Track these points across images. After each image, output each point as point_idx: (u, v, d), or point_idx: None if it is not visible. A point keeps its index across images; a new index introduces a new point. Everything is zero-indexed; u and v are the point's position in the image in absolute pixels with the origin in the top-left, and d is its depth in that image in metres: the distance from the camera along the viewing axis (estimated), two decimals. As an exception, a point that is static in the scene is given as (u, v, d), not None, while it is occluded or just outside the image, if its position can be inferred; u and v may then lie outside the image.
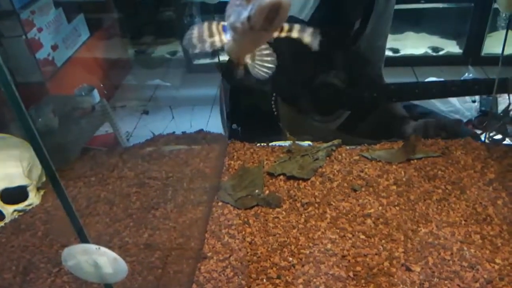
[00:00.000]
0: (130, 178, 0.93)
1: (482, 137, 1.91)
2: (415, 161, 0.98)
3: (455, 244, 0.80)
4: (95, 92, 2.00)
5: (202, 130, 1.06)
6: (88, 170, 1.01)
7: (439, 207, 0.87)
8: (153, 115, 2.41)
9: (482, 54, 2.55)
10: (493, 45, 2.52)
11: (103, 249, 0.54)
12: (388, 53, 2.66)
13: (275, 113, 1.36)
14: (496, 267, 0.76)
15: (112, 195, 0.92)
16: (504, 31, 2.78)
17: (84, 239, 0.54)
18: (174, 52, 2.87)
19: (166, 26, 2.92)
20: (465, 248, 0.80)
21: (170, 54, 2.85)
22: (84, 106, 1.86)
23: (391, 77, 1.36)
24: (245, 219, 0.88)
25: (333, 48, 1.19)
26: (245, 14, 0.47)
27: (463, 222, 0.84)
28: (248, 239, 0.84)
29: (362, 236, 0.83)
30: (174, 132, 1.07)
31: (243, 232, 0.85)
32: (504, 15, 2.62)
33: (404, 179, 0.94)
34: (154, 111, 2.43)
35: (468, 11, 2.56)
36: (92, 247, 0.55)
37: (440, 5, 2.59)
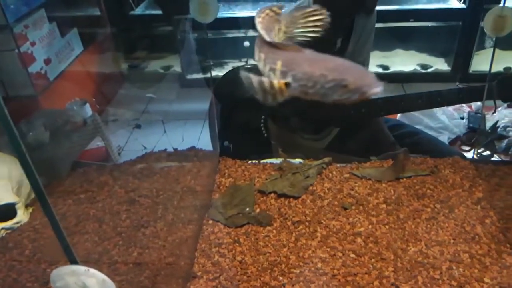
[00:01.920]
0: (120, 195, 0.93)
1: (471, 154, 1.93)
2: (405, 179, 0.99)
3: (444, 263, 0.81)
4: (87, 106, 2.00)
5: (193, 147, 1.06)
6: (78, 187, 1.00)
7: (428, 225, 0.88)
8: (145, 129, 2.41)
9: (470, 71, 2.62)
10: (481, 63, 2.59)
11: (92, 270, 0.53)
12: (378, 69, 2.71)
13: (265, 134, 1.37)
14: (485, 286, 0.77)
15: (101, 212, 0.91)
16: (491, 49, 2.86)
17: (71, 258, 0.53)
18: (167, 67, 2.89)
19: (159, 41, 2.95)
20: (454, 267, 0.80)
21: (163, 69, 2.86)
22: (75, 120, 1.85)
23: (381, 93, 1.38)
24: (236, 238, 0.88)
25: None
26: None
27: (452, 241, 0.85)
28: (239, 258, 0.84)
29: (352, 255, 0.84)
30: (165, 149, 1.07)
31: (234, 251, 0.85)
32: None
33: (393, 197, 0.95)
34: (146, 125, 2.43)
35: (456, 30, 2.63)
36: (81, 268, 0.54)
37: (429, 24, 2.66)
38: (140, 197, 0.91)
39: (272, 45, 0.57)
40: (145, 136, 2.33)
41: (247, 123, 1.42)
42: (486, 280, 0.78)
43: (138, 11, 2.91)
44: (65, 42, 2.35)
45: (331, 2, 1.18)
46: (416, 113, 2.08)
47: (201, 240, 0.87)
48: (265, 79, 0.54)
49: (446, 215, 0.90)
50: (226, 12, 2.82)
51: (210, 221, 0.91)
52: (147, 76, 2.84)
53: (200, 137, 2.19)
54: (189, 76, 2.73)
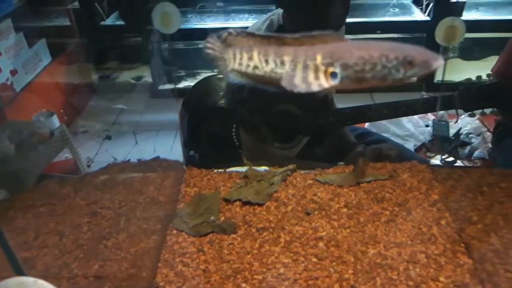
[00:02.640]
0: (82, 207, 0.91)
1: (437, 160, 2.00)
2: (365, 184, 1.02)
3: (402, 264, 0.84)
4: (54, 117, 1.96)
5: (158, 157, 1.06)
6: (38, 200, 0.98)
7: (387, 228, 0.91)
8: (116, 141, 2.38)
9: (435, 81, 2.73)
10: (445, 72, 2.70)
11: (40, 281, 0.52)
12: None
13: (237, 143, 1.39)
14: (440, 285, 0.80)
15: (62, 225, 0.89)
16: (455, 60, 3.00)
17: (19, 271, 0.52)
18: (139, 77, 2.87)
19: (131, 51, 2.94)
20: (411, 268, 0.83)
21: (134, 79, 2.85)
22: (42, 132, 1.81)
23: (352, 102, 1.42)
24: (200, 247, 0.88)
25: None
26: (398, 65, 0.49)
27: (409, 242, 0.88)
28: (202, 267, 0.84)
29: (314, 259, 0.85)
30: (129, 160, 1.06)
31: (197, 260, 0.85)
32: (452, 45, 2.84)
33: (354, 201, 0.98)
34: (117, 136, 2.41)
35: (421, 41, 2.75)
36: (29, 280, 0.53)
37: (394, 35, 2.76)
38: (102, 209, 0.90)
39: (296, 42, 0.55)
40: (116, 148, 2.31)
41: (219, 133, 1.43)
42: (441, 279, 0.81)
43: (108, 21, 2.89)
44: (32, 52, 2.31)
45: (299, 19, 1.22)
46: (383, 122, 2.15)
47: (165, 250, 0.86)
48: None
49: (404, 217, 0.93)
50: (198, 23, 2.85)
51: (174, 231, 0.91)
52: (118, 86, 2.82)
53: (172, 148, 2.18)
54: (161, 86, 2.73)
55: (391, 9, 2.93)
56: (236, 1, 2.97)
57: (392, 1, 2.95)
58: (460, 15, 2.66)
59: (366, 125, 2.11)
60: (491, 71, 1.48)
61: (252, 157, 1.27)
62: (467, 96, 1.23)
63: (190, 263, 0.84)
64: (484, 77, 2.86)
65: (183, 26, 2.78)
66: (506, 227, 0.91)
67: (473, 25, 2.62)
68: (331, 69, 0.53)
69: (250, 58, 0.57)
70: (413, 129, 2.07)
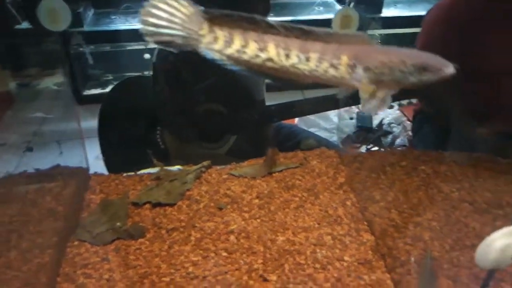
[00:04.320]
0: (-32, 228, 0.83)
1: (363, 150, 2.10)
2: (277, 173, 1.04)
3: (309, 248, 0.86)
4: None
5: (58, 165, 1.00)
6: None
7: (296, 214, 0.93)
8: (38, 152, 2.22)
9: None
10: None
11: None
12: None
13: (162, 146, 1.35)
14: (345, 264, 0.83)
15: None
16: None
17: None
18: (62, 83, 2.70)
19: (52, 56, 2.75)
20: (318, 250, 0.85)
21: (57, 86, 2.67)
22: None
23: (285, 99, 1.42)
24: (104, 256, 0.83)
25: (215, 75, 1.23)
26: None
27: (316, 225, 0.91)
28: (106, 276, 0.80)
29: (224, 254, 0.85)
30: (26, 170, 0.99)
31: (101, 270, 0.81)
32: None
33: (266, 191, 0.99)
34: (39, 147, 2.24)
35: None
36: None
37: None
38: (-9, 227, 0.83)
39: (326, 39, 0.55)
40: (38, 159, 2.14)
41: (142, 135, 1.38)
42: (346, 258, 0.84)
43: (24, 24, 2.68)
44: None
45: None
46: (312, 117, 2.21)
47: (65, 264, 0.81)
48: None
49: (312, 202, 0.96)
50: (123, 25, 2.73)
51: (76, 242, 0.86)
52: (39, 94, 2.63)
53: (98, 156, 2.07)
54: (86, 92, 2.59)
55: (316, 8, 3.01)
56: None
57: (317, 0, 3.04)
58: (380, 12, 2.80)
59: (296, 120, 2.16)
60: None
61: (180, 158, 1.24)
62: None
63: (93, 274, 0.80)
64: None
65: (107, 28, 2.66)
66: (406, 202, 0.97)
67: (392, 21, 2.78)
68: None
69: (262, 49, 0.54)
70: (338, 122, 2.16)
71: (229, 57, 0.55)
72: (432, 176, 1.03)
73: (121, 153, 1.35)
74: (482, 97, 1.21)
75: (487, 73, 1.21)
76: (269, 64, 0.54)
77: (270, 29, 0.55)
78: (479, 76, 1.21)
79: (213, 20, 0.54)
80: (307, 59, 0.56)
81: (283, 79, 0.56)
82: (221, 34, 0.55)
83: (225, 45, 0.55)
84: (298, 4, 3.03)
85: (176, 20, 0.54)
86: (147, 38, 0.54)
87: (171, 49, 0.54)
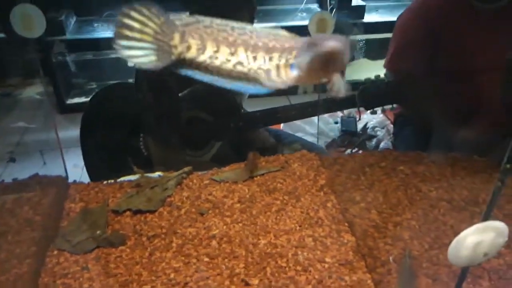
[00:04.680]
0: None
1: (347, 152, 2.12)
2: (258, 177, 1.04)
3: (291, 250, 0.86)
4: None
5: (37, 174, 0.99)
6: None
7: (277, 217, 0.93)
8: (21, 162, 2.18)
9: (346, 80, 2.89)
10: (353, 73, 2.88)
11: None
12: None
13: (145, 153, 1.34)
14: (326, 265, 0.83)
15: None
16: (363, 60, 3.21)
17: None
18: (44, 92, 2.67)
19: (34, 65, 2.72)
20: (299, 252, 0.86)
21: (39, 95, 2.64)
22: None
23: (270, 105, 1.42)
24: (84, 265, 0.82)
25: (197, 82, 1.24)
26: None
27: (297, 228, 0.91)
28: (86, 286, 0.78)
29: (206, 259, 0.84)
30: (3, 180, 0.97)
31: (81, 279, 0.79)
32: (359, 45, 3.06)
33: (247, 196, 0.99)
34: (22, 157, 2.21)
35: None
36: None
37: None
38: (-34, 239, 0.81)
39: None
40: (21, 170, 2.11)
41: (124, 142, 1.37)
42: (327, 259, 0.85)
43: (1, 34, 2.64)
44: None
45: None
46: (297, 122, 2.23)
47: (44, 274, 0.80)
48: None
49: (293, 204, 0.96)
50: (106, 32, 2.72)
51: (55, 252, 0.84)
52: (21, 104, 2.59)
53: (76, 164, 2.05)
54: (69, 101, 2.56)
55: (299, 14, 3.05)
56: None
57: (300, 7, 3.08)
58: (362, 17, 2.84)
59: (282, 125, 2.17)
60: (384, 66, 1.57)
61: (164, 165, 1.23)
62: (366, 95, 1.32)
63: (73, 283, 0.79)
64: (382, 75, 3.09)
65: (89, 36, 2.65)
66: (386, 202, 0.98)
67: (374, 27, 2.83)
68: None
69: (233, 54, 0.53)
70: (323, 126, 2.18)
71: (201, 64, 0.54)
72: (411, 176, 1.05)
73: (103, 161, 1.34)
74: (463, 97, 1.22)
75: (463, 73, 1.24)
76: (239, 68, 0.54)
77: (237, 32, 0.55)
78: (457, 76, 1.24)
79: (184, 29, 0.54)
80: (270, 59, 0.54)
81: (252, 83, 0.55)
82: (194, 42, 0.55)
83: (197, 53, 0.55)
84: (281, 10, 3.07)
85: (148, 30, 0.53)
86: (120, 53, 0.52)
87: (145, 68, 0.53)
